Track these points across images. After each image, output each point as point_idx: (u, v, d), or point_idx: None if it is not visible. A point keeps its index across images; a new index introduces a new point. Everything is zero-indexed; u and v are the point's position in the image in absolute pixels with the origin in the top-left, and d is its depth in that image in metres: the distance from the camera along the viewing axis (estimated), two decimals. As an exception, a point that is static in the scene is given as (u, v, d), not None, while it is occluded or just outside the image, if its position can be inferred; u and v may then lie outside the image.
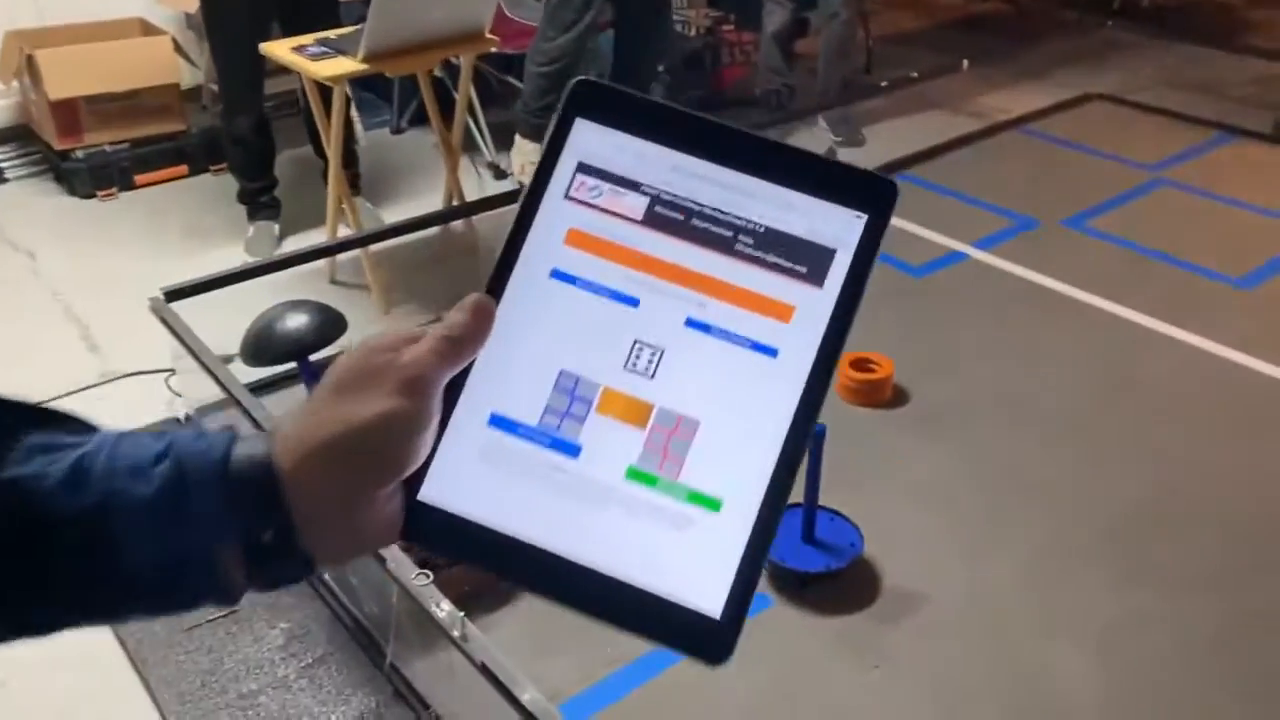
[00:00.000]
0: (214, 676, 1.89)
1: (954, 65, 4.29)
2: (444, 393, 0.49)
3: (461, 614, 1.60)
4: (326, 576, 2.06)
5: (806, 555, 2.06)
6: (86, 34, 3.74)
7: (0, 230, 3.50)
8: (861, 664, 1.94)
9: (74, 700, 1.87)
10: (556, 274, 0.50)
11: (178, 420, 2.51)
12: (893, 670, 1.94)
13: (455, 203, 3.29)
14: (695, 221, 0.50)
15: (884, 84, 4.28)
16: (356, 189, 3.43)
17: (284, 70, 3.10)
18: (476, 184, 3.71)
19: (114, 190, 3.72)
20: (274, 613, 2.03)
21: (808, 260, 0.49)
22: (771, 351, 0.49)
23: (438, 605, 1.63)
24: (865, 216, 0.50)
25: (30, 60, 3.60)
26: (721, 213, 0.50)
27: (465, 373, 0.49)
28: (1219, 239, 3.38)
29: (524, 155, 3.59)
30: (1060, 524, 2.25)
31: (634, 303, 0.50)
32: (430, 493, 0.49)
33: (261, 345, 2.11)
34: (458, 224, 3.38)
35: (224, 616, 2.00)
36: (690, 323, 0.49)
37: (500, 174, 3.87)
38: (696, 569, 0.47)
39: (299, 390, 2.36)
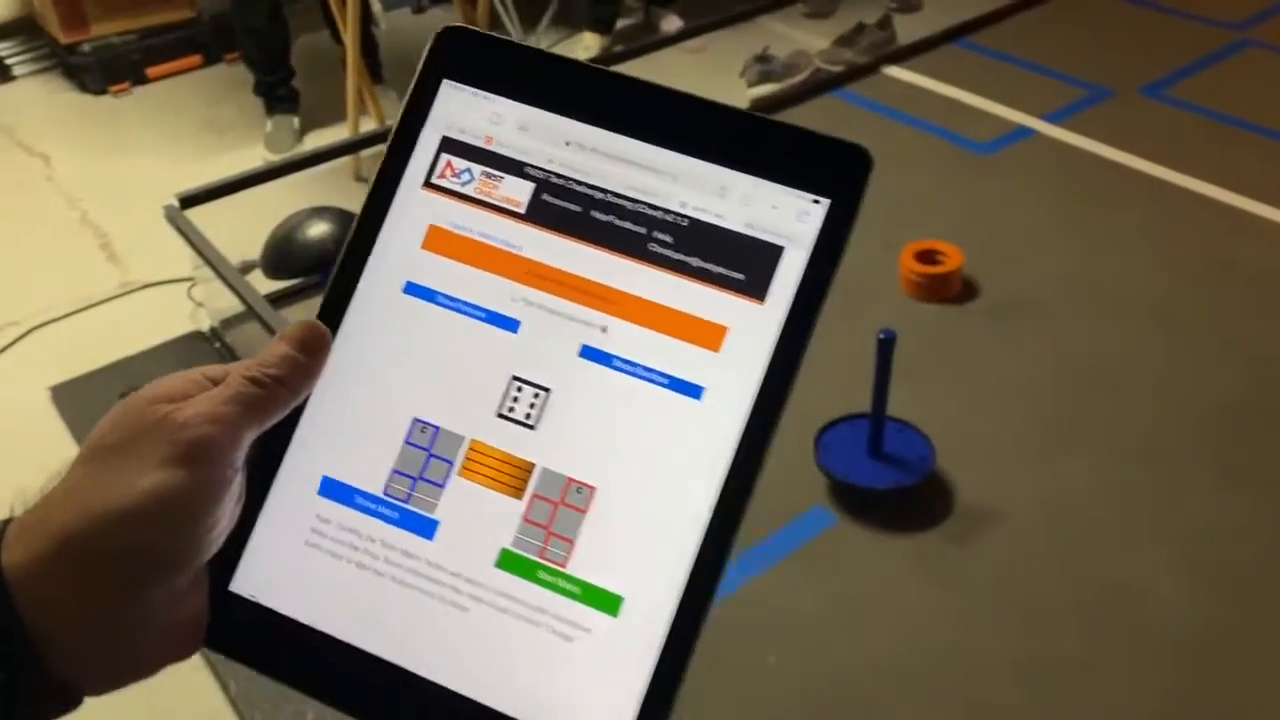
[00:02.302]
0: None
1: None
2: (262, 451, 0.38)
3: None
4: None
5: (874, 471, 1.92)
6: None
7: (12, 132, 3.35)
8: (935, 584, 1.81)
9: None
10: (411, 289, 0.39)
11: (201, 333, 2.38)
12: (970, 590, 1.81)
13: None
14: (596, 214, 0.38)
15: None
16: (378, 77, 3.23)
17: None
18: (505, 67, 3.47)
19: (126, 85, 3.54)
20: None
21: (747, 264, 0.38)
22: (695, 391, 0.37)
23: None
24: (827, 201, 0.38)
25: (27, -53, 3.39)
26: (632, 201, 0.38)
27: (292, 423, 0.38)
28: (1317, 104, 3.09)
29: (586, 47, 3.49)
30: (1146, 425, 2.09)
31: (513, 326, 0.38)
32: (244, 584, 0.38)
33: (282, 257, 1.97)
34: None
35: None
36: (587, 353, 0.38)
37: (530, 55, 3.62)
38: (587, 694, 0.35)
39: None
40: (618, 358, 0.37)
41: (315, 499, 0.38)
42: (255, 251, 2.30)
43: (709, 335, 0.37)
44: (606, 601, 0.36)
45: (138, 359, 2.33)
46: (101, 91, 3.52)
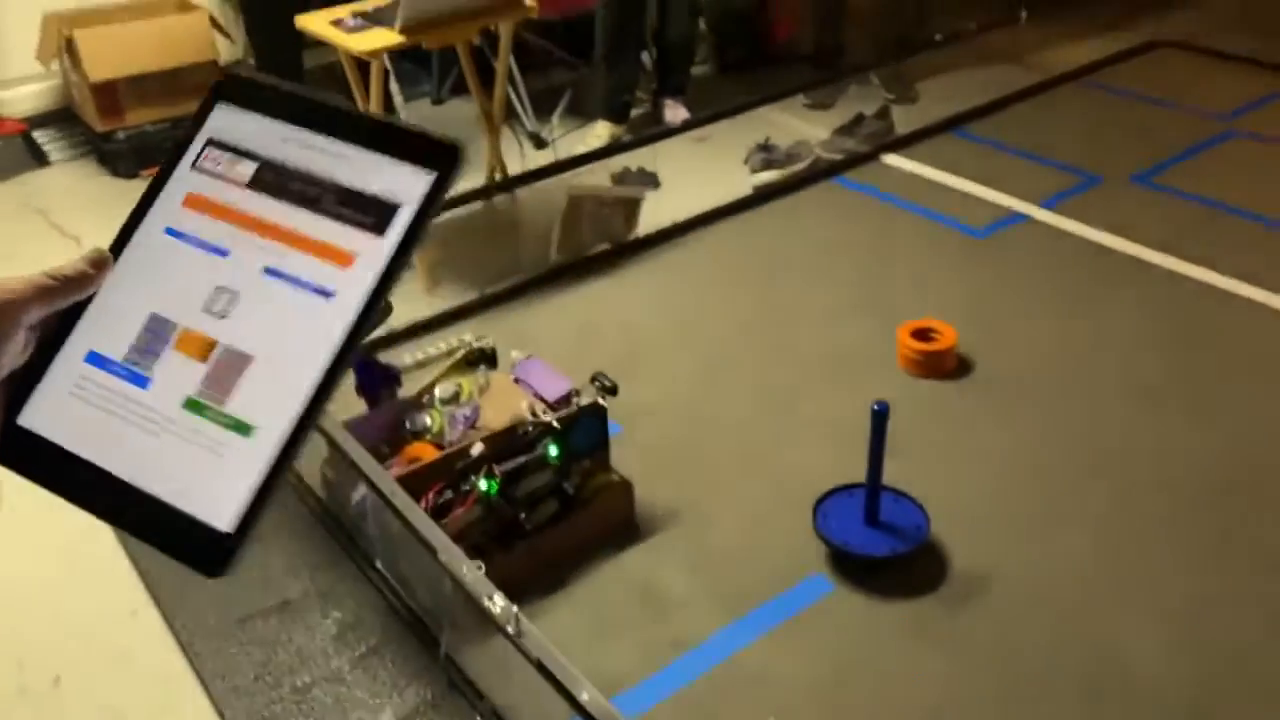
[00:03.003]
0: (267, 669, 1.86)
1: (1012, 17, 4.12)
2: (57, 329, 0.55)
3: (515, 609, 1.54)
4: (379, 564, 2.02)
5: (871, 539, 1.98)
6: (124, 14, 3.71)
7: (46, 214, 3.50)
8: (930, 649, 1.87)
9: (127, 694, 1.85)
10: (169, 231, 0.57)
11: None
12: (964, 655, 1.86)
13: (497, 176, 3.22)
14: (291, 183, 0.57)
15: (939, 38, 4.12)
16: (398, 163, 3.38)
17: (322, 41, 3.05)
18: (518, 154, 3.63)
19: (157, 169, 3.69)
20: (326, 601, 1.99)
21: (375, 214, 0.55)
22: (328, 293, 0.53)
23: (490, 599, 1.58)
24: (434, 174, 0.55)
25: (69, 42, 3.58)
26: (313, 175, 0.56)
27: (79, 312, 0.56)
28: (1298, 191, 3.21)
29: (600, 135, 3.70)
30: (1135, 497, 2.15)
31: (225, 254, 0.56)
32: (28, 419, 0.55)
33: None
34: (500, 197, 3.31)
35: (276, 607, 1.97)
36: (268, 271, 0.55)
37: (541, 143, 3.79)
38: (220, 489, 0.51)
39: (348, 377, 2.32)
40: (286, 273, 0.54)
41: (81, 364, 0.55)
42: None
43: (343, 258, 0.54)
44: (244, 429, 0.52)
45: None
46: (133, 175, 3.69)
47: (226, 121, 0.59)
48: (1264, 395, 2.41)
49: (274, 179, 0.57)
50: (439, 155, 0.57)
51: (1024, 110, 3.84)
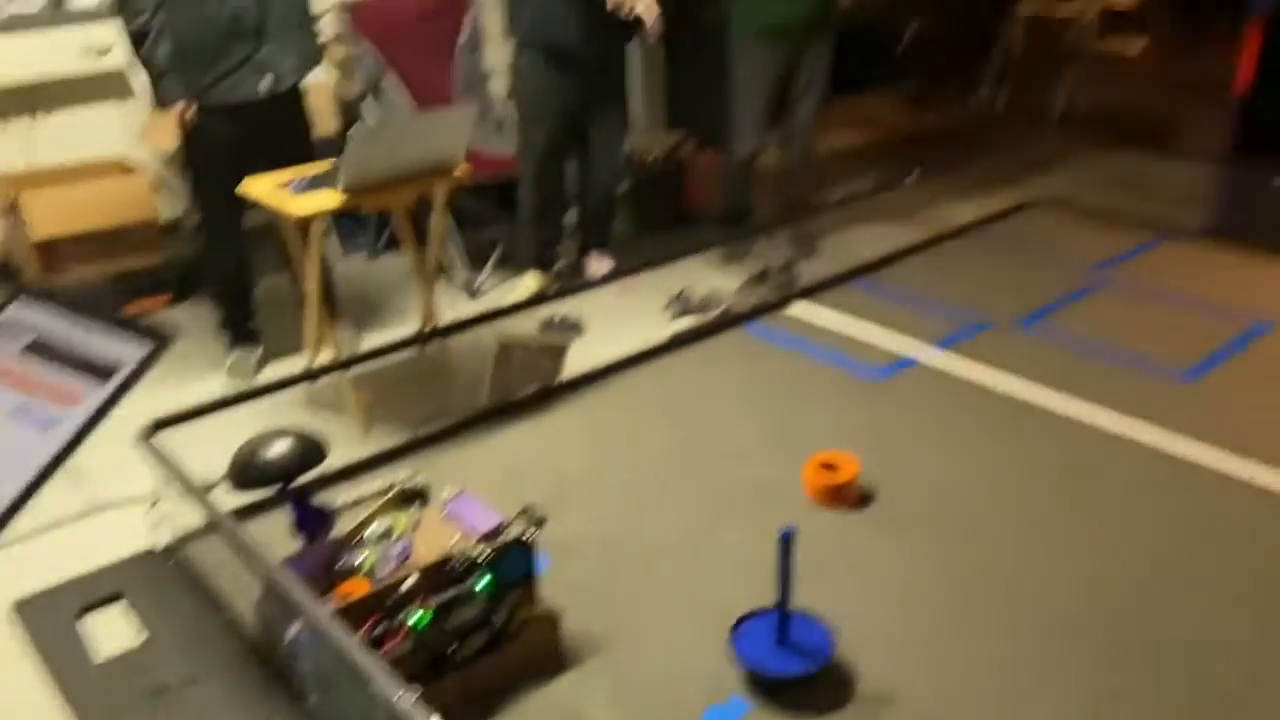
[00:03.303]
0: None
1: (902, 178, 4.51)
2: None
3: (448, 729, 1.63)
4: (311, 702, 2.09)
5: (781, 659, 2.12)
6: (69, 175, 3.88)
7: (-18, 366, 3.57)
8: (840, 763, 1.99)
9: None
10: None
11: (158, 552, 2.55)
12: (871, 768, 1.98)
13: (431, 325, 3.40)
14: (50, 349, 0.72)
15: (837, 198, 4.49)
16: (334, 314, 3.54)
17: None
18: (451, 304, 3.83)
19: (94, 323, 3.81)
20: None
21: (102, 370, 0.72)
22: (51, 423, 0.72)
23: (426, 722, 1.67)
24: (151, 345, 0.74)
25: (14, 202, 3.73)
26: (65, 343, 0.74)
27: None
28: (1162, 334, 3.54)
29: (528, 286, 3.95)
30: (1027, 616, 2.33)
31: None
32: None
33: (246, 471, 2.19)
34: (433, 345, 3.49)
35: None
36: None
37: (473, 294, 4.00)
38: None
39: (282, 515, 2.42)
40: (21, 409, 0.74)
41: None
42: (216, 473, 2.52)
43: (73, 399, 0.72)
44: None
45: (96, 575, 2.48)
46: (71, 329, 3.79)
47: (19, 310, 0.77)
48: (1139, 520, 2.63)
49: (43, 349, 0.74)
50: (156, 336, 0.78)
51: (917, 262, 4.18)
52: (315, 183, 2.97)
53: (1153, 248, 4.28)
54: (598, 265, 4.06)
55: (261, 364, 3.52)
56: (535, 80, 3.74)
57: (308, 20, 3.29)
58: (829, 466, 2.74)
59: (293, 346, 3.49)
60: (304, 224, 2.94)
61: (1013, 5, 6.32)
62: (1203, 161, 4.67)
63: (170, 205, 4.18)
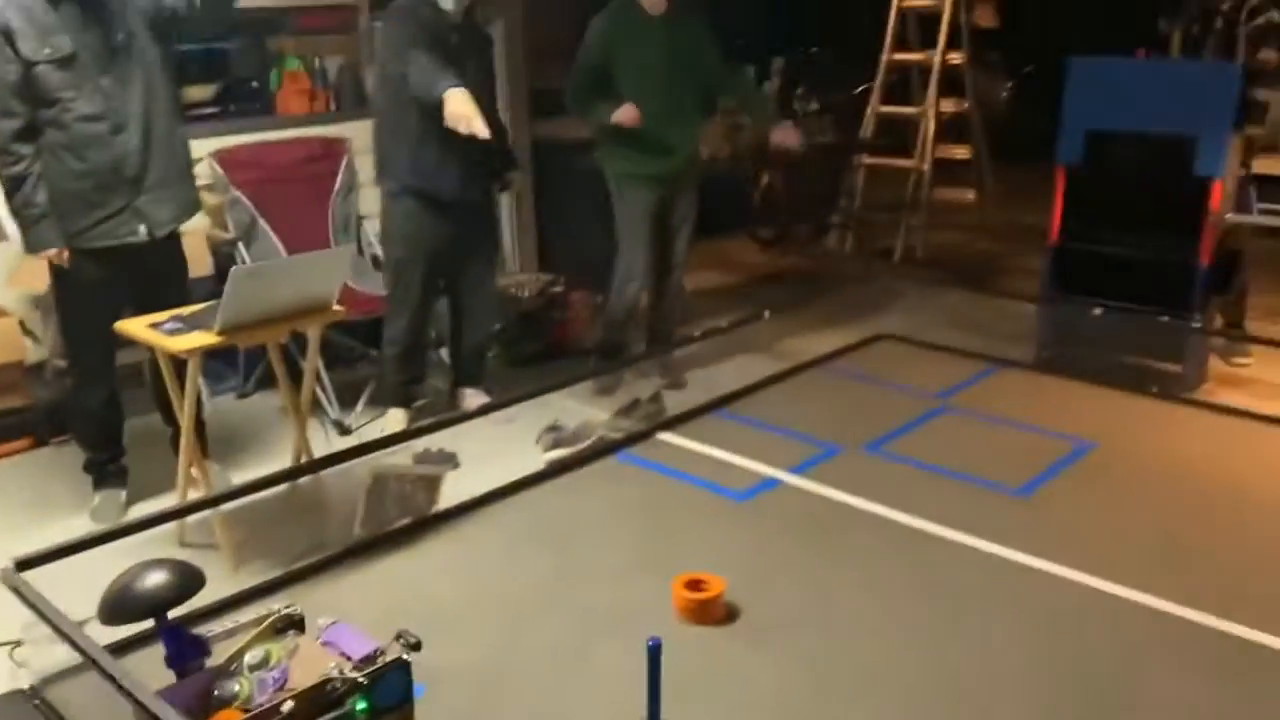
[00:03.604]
0: None
1: (758, 314, 4.82)
2: None
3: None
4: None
5: (653, 766, 2.20)
6: (-70, 317, 3.82)
7: None
8: None
9: None
10: None
11: (22, 691, 2.48)
12: None
13: (304, 460, 3.44)
14: None
15: (696, 333, 4.75)
16: (205, 453, 3.55)
17: (129, 342, 3.27)
18: (323, 441, 3.88)
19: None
20: None
21: None
22: None
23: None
24: None
25: None
26: None
27: None
28: (997, 454, 3.85)
29: (395, 421, 4.04)
30: (887, 716, 2.47)
31: None
32: None
33: (120, 604, 2.18)
34: (306, 480, 3.52)
35: None
36: None
37: (345, 430, 4.06)
38: None
39: (156, 649, 2.39)
40: None
41: None
42: (82, 613, 2.48)
43: None
44: None
45: (-51, 723, 2.40)
46: (-79, 471, 3.68)
47: None
48: (982, 620, 2.84)
49: None
50: None
51: (775, 392, 4.46)
52: (191, 322, 3.03)
53: (987, 377, 4.66)
54: (472, 400, 4.18)
55: (128, 505, 3.48)
56: (408, 225, 3.90)
57: (187, 170, 3.39)
58: (696, 585, 2.87)
59: (160, 487, 3.47)
60: (180, 362, 2.99)
61: (856, 157, 6.90)
62: (1027, 301, 5.13)
63: (37, 347, 4.14)
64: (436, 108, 3.48)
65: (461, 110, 3.42)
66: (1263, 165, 4.81)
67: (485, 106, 3.77)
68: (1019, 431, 4.06)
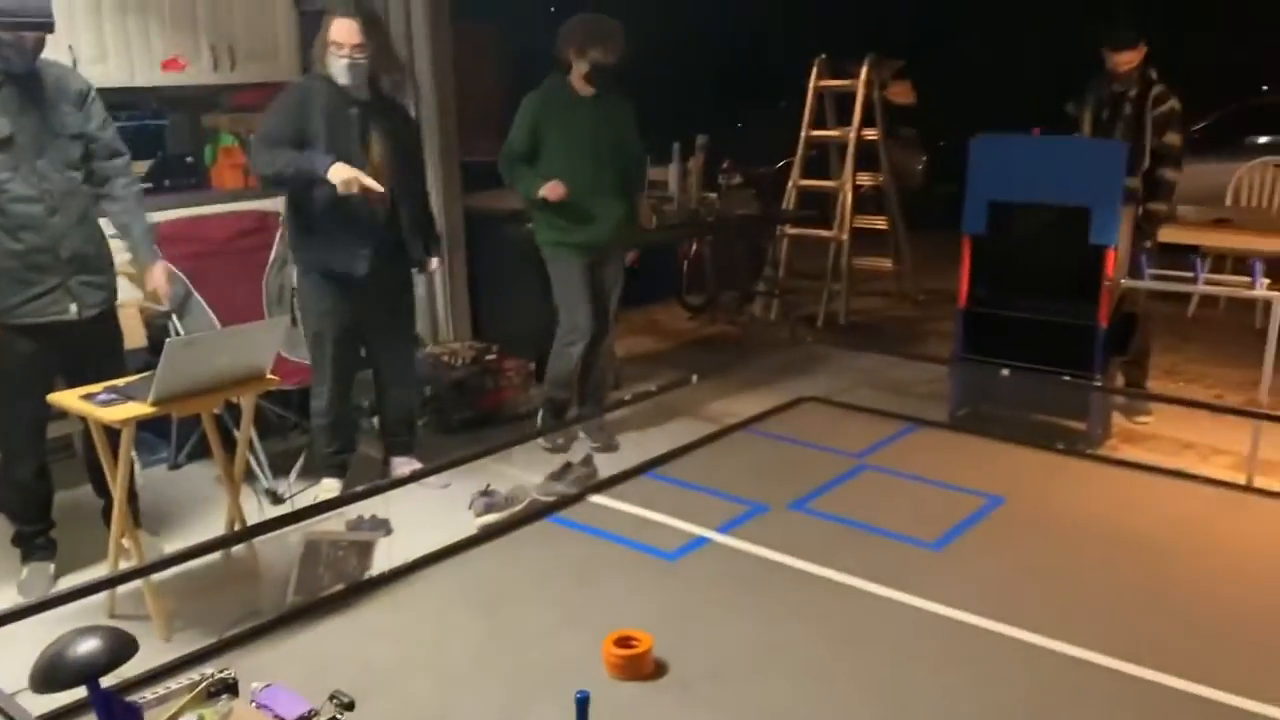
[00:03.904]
0: None
1: (686, 379, 4.96)
2: None
3: None
4: None
5: (583, 815, 2.26)
6: None
7: None
8: None
9: None
10: None
11: (-52, 766, 2.46)
12: None
13: (237, 528, 3.46)
14: None
15: (627, 397, 4.89)
16: (137, 523, 3.55)
17: (58, 416, 3.29)
18: (256, 510, 3.90)
19: None
20: None
21: None
22: None
23: None
24: None
25: None
26: None
27: None
28: (912, 510, 4.01)
29: (327, 490, 4.08)
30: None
31: None
32: None
33: (51, 671, 2.20)
34: (239, 549, 3.54)
35: None
36: None
37: (278, 499, 4.08)
38: None
39: (90, 718, 2.40)
40: None
41: None
42: (11, 686, 2.48)
43: None
44: None
45: None
46: None
47: None
48: (900, 667, 2.96)
49: None
50: None
51: (701, 454, 4.59)
52: (126, 393, 3.08)
53: (904, 436, 4.85)
54: (403, 466, 4.24)
55: (56, 578, 3.47)
56: (320, 303, 3.94)
57: (109, 255, 3.46)
58: (626, 640, 2.95)
59: (90, 559, 3.47)
60: (113, 433, 3.03)
61: (779, 227, 7.16)
62: (942, 364, 5.36)
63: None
64: (327, 184, 3.63)
65: (345, 176, 3.60)
66: (1165, 235, 5.17)
67: (398, 177, 3.91)
68: (933, 488, 4.24)
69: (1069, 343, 4.57)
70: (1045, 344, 4.60)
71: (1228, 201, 7.16)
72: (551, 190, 4.27)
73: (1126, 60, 4.70)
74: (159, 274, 3.55)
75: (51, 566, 3.47)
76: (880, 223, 7.41)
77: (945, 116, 9.17)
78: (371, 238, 3.87)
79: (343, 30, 3.73)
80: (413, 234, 4.04)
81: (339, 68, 3.75)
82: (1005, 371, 4.64)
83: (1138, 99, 4.74)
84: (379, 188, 3.62)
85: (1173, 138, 4.74)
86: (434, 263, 4.22)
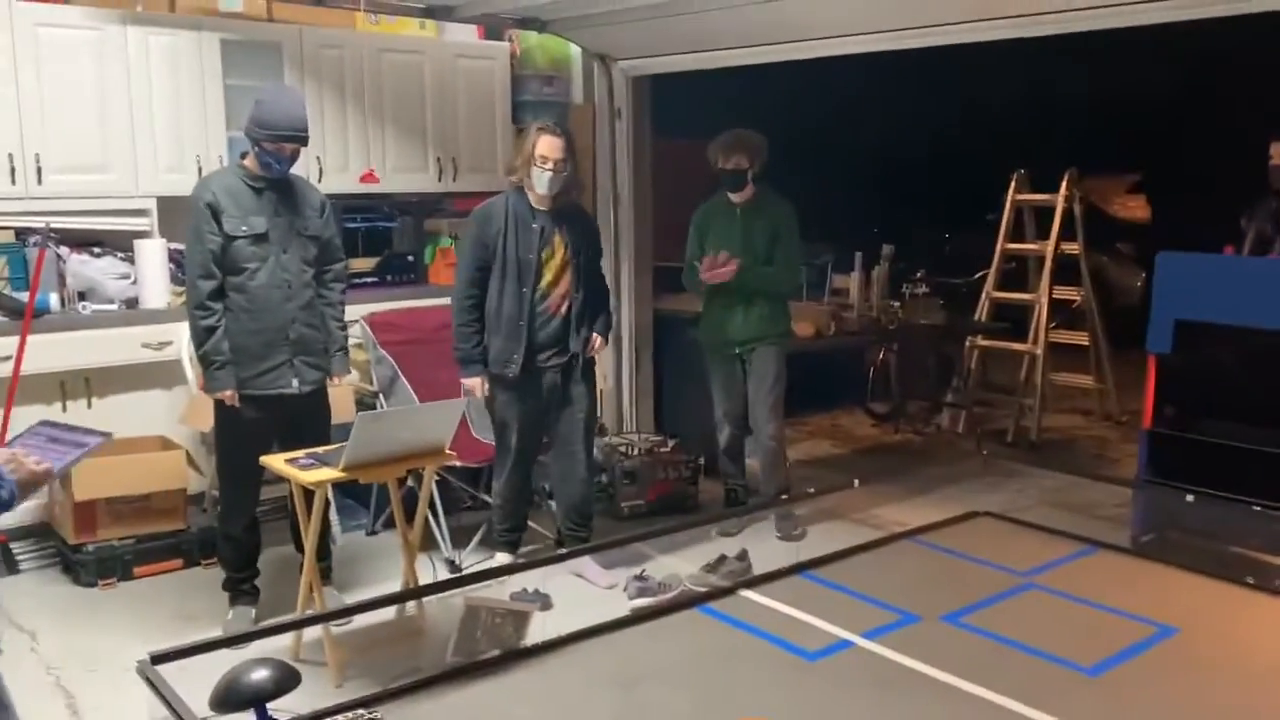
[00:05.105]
0: None
1: (848, 483, 4.99)
2: None
3: None
4: None
5: None
6: (116, 448, 4.43)
7: (9, 615, 3.97)
8: None
9: None
10: None
11: (144, 772, 2.85)
12: None
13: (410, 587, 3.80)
14: None
15: (784, 497, 4.95)
16: (328, 579, 3.96)
17: (275, 479, 3.76)
18: (432, 576, 4.24)
19: (114, 580, 4.24)
20: None
21: None
22: None
23: None
24: None
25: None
26: None
27: None
28: (1075, 633, 3.87)
29: (499, 564, 4.33)
30: None
31: None
32: None
33: (227, 694, 2.54)
34: (410, 608, 3.87)
35: None
36: None
37: (455, 568, 4.41)
38: None
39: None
40: None
41: None
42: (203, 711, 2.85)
43: None
44: None
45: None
46: (92, 584, 4.21)
47: None
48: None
49: None
50: None
51: (860, 559, 4.60)
52: (323, 459, 3.50)
53: (1080, 558, 4.67)
54: (594, 573, 4.36)
55: (257, 621, 3.90)
56: (503, 393, 4.26)
57: (342, 339, 3.97)
58: (750, 729, 3.04)
59: (289, 608, 3.89)
60: (309, 493, 3.44)
61: (970, 338, 7.09)
62: (1126, 484, 5.13)
63: (198, 479, 4.71)
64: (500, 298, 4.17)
65: (468, 385, 4.23)
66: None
67: (582, 271, 4.23)
68: (1101, 612, 4.06)
69: (1263, 470, 4.31)
70: (1238, 470, 4.36)
71: None
72: (708, 272, 4.71)
73: None
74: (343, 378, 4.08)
75: (253, 611, 3.91)
76: (1081, 338, 7.20)
77: (1166, 235, 8.82)
78: (534, 344, 4.18)
79: (549, 146, 4.14)
80: (587, 324, 4.33)
81: (542, 180, 4.15)
82: (1190, 497, 4.42)
83: None
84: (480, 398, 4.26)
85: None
86: (598, 340, 4.44)
